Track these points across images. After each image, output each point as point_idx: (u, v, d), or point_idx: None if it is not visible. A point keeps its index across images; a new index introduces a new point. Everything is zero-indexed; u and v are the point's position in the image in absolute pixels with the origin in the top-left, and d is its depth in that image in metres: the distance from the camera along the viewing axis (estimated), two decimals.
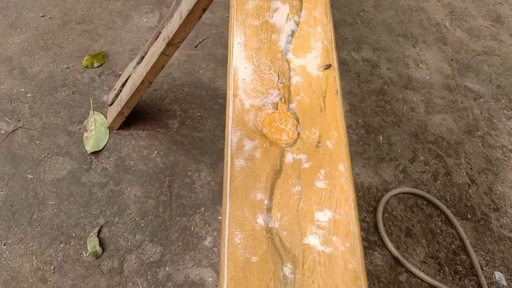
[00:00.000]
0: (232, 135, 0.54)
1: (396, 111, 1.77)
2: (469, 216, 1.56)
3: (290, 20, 0.64)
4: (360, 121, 1.71)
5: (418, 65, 1.95)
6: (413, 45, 2.02)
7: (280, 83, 0.59)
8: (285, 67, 0.61)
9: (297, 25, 0.63)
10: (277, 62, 0.61)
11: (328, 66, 0.59)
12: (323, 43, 0.63)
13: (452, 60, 2.02)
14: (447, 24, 2.16)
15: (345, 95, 1.76)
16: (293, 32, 0.63)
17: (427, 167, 1.64)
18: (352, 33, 1.99)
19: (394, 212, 1.51)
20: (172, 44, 1.12)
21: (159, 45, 1.17)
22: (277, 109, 0.58)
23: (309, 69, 0.61)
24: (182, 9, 1.06)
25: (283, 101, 0.59)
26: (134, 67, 1.34)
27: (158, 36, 1.21)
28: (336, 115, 0.57)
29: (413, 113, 1.78)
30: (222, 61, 1.74)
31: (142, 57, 1.30)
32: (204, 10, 1.02)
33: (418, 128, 1.74)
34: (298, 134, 0.56)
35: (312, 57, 0.61)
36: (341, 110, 0.56)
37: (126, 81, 1.39)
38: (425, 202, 1.55)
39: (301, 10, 0.64)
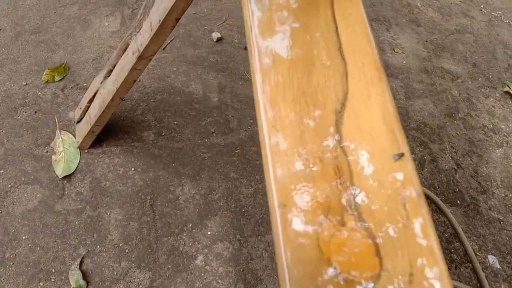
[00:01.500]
0: (288, 278, 0.36)
1: None
2: (458, 202, 1.55)
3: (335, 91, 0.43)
4: None
5: (394, 50, 1.91)
6: (387, 29, 1.98)
7: (340, 184, 0.41)
8: (342, 159, 0.42)
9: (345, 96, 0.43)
10: (329, 153, 0.42)
11: (401, 156, 0.43)
12: (386, 121, 0.45)
13: (426, 41, 1.98)
14: (418, 4, 2.12)
15: None
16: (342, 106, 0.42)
17: (413, 156, 1.61)
18: None
19: None
20: (144, 57, 1.02)
21: (129, 59, 1.06)
22: (343, 225, 0.40)
23: (373, 160, 0.43)
24: (152, 20, 0.96)
25: (349, 212, 0.41)
26: (102, 82, 1.23)
27: (126, 48, 1.10)
28: (428, 233, 0.37)
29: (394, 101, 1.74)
30: (193, 62, 1.64)
31: (110, 71, 1.19)
32: (178, 20, 0.93)
33: (401, 116, 1.70)
34: (381, 264, 0.39)
35: (376, 144, 0.43)
36: (431, 222, 0.37)
37: (93, 96, 1.27)
38: None
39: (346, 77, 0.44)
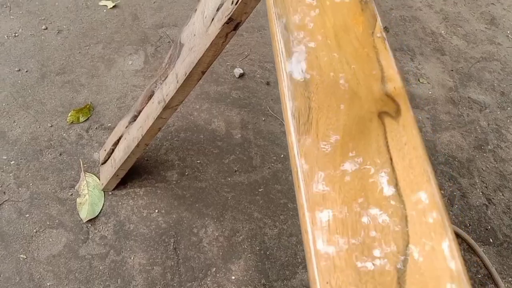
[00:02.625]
0: None
1: None
2: (491, 240, 1.49)
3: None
4: None
5: (419, 80, 1.87)
6: (411, 59, 1.94)
7: None
8: None
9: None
10: None
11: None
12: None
13: (452, 70, 1.94)
14: (443, 32, 2.08)
15: None
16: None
17: (442, 192, 1.56)
18: None
19: None
20: (170, 107, 1.01)
21: (154, 108, 1.06)
22: None
23: None
24: (178, 72, 0.95)
25: None
26: (127, 126, 1.23)
27: (151, 95, 1.10)
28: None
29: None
30: (216, 99, 1.63)
31: (135, 116, 1.19)
32: (204, 72, 0.92)
33: (428, 150, 1.66)
34: None
35: None
36: None
37: (118, 140, 1.27)
38: None
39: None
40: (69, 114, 1.48)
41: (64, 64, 1.62)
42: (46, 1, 1.81)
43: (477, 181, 1.62)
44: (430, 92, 1.84)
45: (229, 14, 0.79)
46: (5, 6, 1.77)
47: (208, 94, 1.64)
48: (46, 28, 1.71)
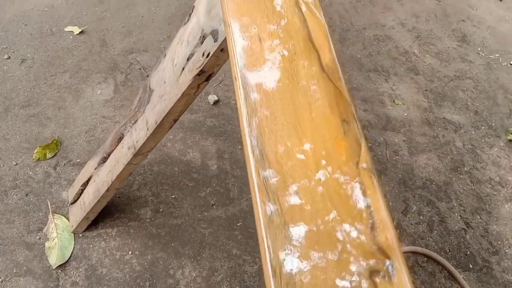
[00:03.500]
0: None
1: (380, 157, 1.68)
2: (470, 265, 1.49)
3: None
4: None
5: (394, 101, 1.87)
6: (386, 80, 1.94)
7: None
8: None
9: None
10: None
11: None
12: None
13: (426, 90, 1.95)
14: (416, 51, 2.09)
15: None
16: None
17: (421, 217, 1.56)
18: None
19: None
20: (140, 154, 0.97)
21: (124, 153, 1.01)
22: None
23: None
24: (148, 119, 0.91)
25: None
26: (96, 168, 1.17)
27: (120, 138, 1.05)
28: None
29: (397, 157, 1.70)
30: (190, 128, 1.58)
31: (105, 158, 1.13)
32: (176, 121, 0.88)
33: (405, 174, 1.65)
34: None
35: None
36: None
37: (87, 181, 1.21)
38: (425, 258, 1.47)
39: None
40: (35, 151, 1.40)
41: (29, 96, 1.54)
42: (8, 28, 1.73)
43: (455, 205, 1.62)
44: (405, 114, 1.84)
45: (200, 66, 0.75)
46: None
47: (182, 123, 1.59)
48: (9, 58, 1.63)
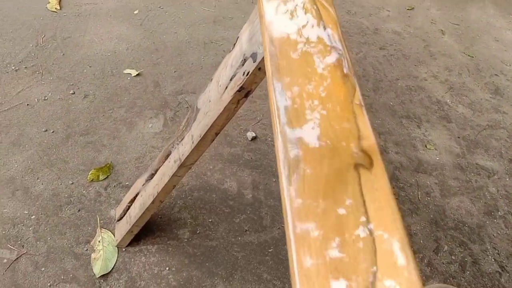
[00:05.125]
0: None
1: (411, 198, 1.71)
2: None
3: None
4: None
5: (426, 146, 1.93)
6: (418, 126, 2.02)
7: None
8: None
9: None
10: None
11: None
12: None
13: (459, 137, 2.00)
14: (448, 100, 2.17)
15: None
16: None
17: (452, 257, 1.56)
18: None
19: None
20: (184, 166, 1.08)
21: (170, 166, 1.13)
22: None
23: None
24: (193, 133, 1.03)
25: None
26: (143, 184, 1.29)
27: (168, 155, 1.18)
28: None
29: (429, 198, 1.73)
30: (229, 160, 1.70)
31: (152, 175, 1.26)
32: (217, 134, 1.00)
33: (437, 214, 1.68)
34: None
35: None
36: None
37: (135, 197, 1.34)
38: None
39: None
40: (90, 173, 1.56)
41: (88, 126, 1.73)
42: (75, 69, 1.97)
43: (489, 248, 1.61)
44: (437, 158, 1.89)
45: (240, 83, 0.88)
46: (37, 72, 1.93)
47: (221, 155, 1.72)
48: (74, 93, 1.85)
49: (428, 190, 1.76)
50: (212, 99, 1.00)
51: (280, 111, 0.51)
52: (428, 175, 1.81)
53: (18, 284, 1.29)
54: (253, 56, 0.87)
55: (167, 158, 1.19)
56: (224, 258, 1.43)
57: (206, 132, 0.98)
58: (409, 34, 2.52)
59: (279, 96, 0.53)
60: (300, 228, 0.37)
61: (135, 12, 2.42)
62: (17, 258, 1.35)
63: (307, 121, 0.49)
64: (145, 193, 1.26)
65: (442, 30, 2.59)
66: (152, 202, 1.21)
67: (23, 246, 1.37)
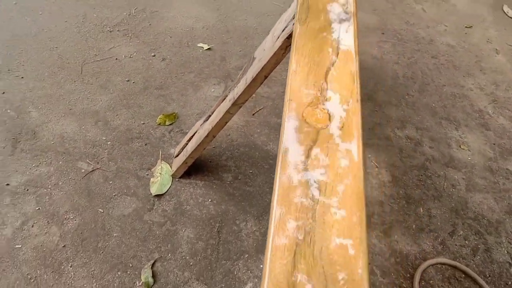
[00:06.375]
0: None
1: (437, 186, 1.85)
2: None
3: None
4: (401, 192, 1.81)
5: (460, 146, 2.06)
6: (456, 128, 2.14)
7: None
8: None
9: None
10: None
11: None
12: None
13: (494, 144, 2.10)
14: (490, 111, 2.28)
15: (387, 167, 1.89)
16: None
17: (466, 242, 1.68)
18: (396, 113, 2.15)
19: (431, 281, 1.54)
20: (236, 104, 1.33)
21: (225, 105, 1.39)
22: None
23: None
24: (247, 76, 1.28)
25: None
26: (201, 124, 1.56)
27: (224, 98, 1.44)
28: None
29: (453, 190, 1.86)
30: (274, 128, 1.94)
31: (209, 116, 1.52)
32: (266, 77, 1.24)
33: (459, 204, 1.80)
34: None
35: None
36: None
37: (192, 136, 1.61)
38: (463, 275, 1.58)
39: None
40: (159, 117, 1.86)
41: (162, 82, 2.04)
42: (158, 37, 2.32)
43: (504, 241, 1.71)
44: (469, 158, 2.01)
45: (289, 31, 1.12)
46: (127, 35, 2.29)
47: (269, 123, 1.96)
48: (154, 55, 2.19)
49: (454, 183, 1.89)
50: (266, 47, 1.24)
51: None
52: (457, 171, 1.94)
53: (90, 190, 1.60)
54: None
55: (223, 101, 1.45)
56: (258, 202, 1.66)
57: (257, 74, 1.23)
58: (463, 49, 2.65)
59: None
60: None
61: None
62: (92, 171, 1.66)
63: None
64: (202, 130, 1.53)
65: (496, 49, 2.69)
66: (206, 136, 1.47)
67: (98, 163, 1.69)
